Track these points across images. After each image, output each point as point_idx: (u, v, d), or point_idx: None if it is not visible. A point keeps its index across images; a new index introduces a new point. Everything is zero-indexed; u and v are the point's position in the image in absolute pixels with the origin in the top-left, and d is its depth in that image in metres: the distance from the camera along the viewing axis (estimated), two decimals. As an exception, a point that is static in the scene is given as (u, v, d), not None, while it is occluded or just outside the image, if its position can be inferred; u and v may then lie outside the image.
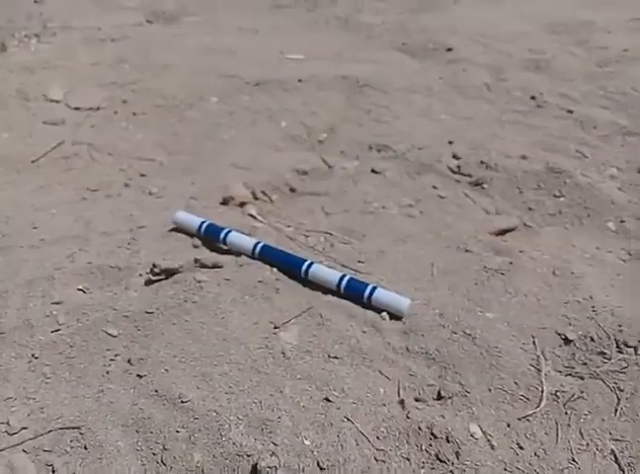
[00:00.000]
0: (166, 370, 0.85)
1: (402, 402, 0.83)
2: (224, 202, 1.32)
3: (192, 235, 1.17)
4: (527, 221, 1.29)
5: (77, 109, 2.02)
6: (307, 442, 0.75)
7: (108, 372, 0.86)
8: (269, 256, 1.07)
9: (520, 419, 0.82)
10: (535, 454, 0.77)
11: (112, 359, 0.89)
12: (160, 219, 1.24)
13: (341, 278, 0.99)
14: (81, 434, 0.78)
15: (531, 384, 0.86)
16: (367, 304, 0.98)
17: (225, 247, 1.11)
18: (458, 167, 1.46)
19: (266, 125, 1.81)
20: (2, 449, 0.78)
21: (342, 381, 0.85)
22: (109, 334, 0.93)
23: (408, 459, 0.76)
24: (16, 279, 1.06)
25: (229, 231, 1.11)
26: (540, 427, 0.81)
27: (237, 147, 1.67)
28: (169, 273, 1.00)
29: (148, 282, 1.01)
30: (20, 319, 0.96)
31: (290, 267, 1.05)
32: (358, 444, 0.77)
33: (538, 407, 0.83)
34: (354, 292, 0.99)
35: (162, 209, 1.30)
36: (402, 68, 2.25)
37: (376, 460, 0.75)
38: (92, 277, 1.06)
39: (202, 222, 1.14)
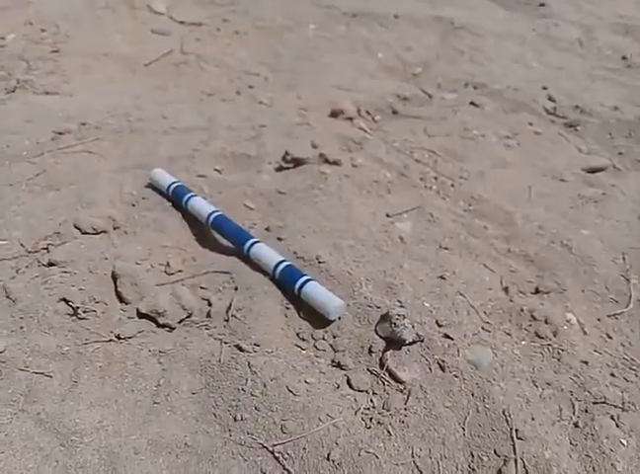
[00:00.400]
0: (303, 237, 0.98)
1: (506, 289, 0.95)
2: (333, 115, 1.42)
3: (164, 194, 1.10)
4: (617, 164, 1.36)
5: (181, 22, 2.12)
6: (427, 305, 0.88)
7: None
8: (219, 227, 1.00)
9: (609, 316, 0.93)
10: (621, 344, 0.88)
11: (250, 227, 1.03)
12: (278, 122, 1.35)
13: (277, 264, 0.90)
14: (232, 277, 0.92)
15: (620, 290, 0.97)
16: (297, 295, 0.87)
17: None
18: (554, 108, 1.53)
19: (363, 55, 1.89)
20: (165, 284, 0.92)
21: (453, 266, 0.97)
22: (247, 206, 1.07)
23: (509, 334, 0.88)
24: (157, 156, 1.20)
25: (192, 196, 1.04)
26: (627, 325, 0.92)
27: (336, 71, 1.76)
28: (298, 162, 1.12)
29: (279, 169, 1.14)
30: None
31: (236, 242, 0.97)
32: (468, 314, 0.89)
33: (627, 307, 0.93)
34: (287, 281, 0.88)
35: (277, 115, 1.41)
36: (494, 16, 2.28)
37: (483, 329, 0.87)
38: (226, 161, 1.19)
39: (172, 183, 1.08)
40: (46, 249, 0.97)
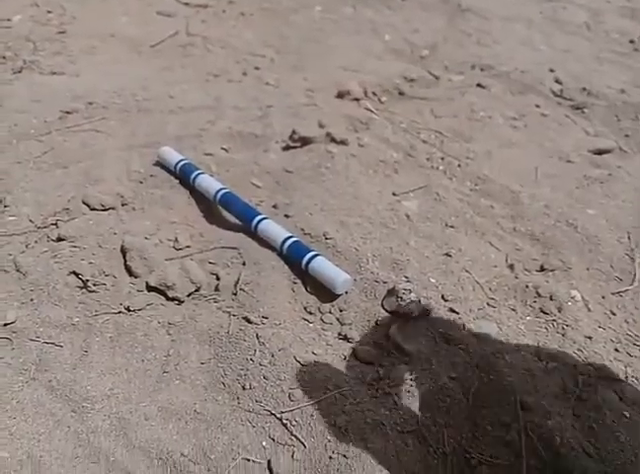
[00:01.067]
0: (310, 214, 0.99)
1: (511, 266, 0.95)
2: (340, 96, 1.42)
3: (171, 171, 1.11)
4: (623, 146, 1.36)
5: (187, 4, 2.11)
6: (432, 280, 0.89)
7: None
8: (226, 204, 1.01)
9: (613, 293, 0.93)
10: (625, 321, 0.89)
11: (257, 204, 1.03)
12: (285, 102, 1.36)
13: (284, 240, 0.91)
14: (239, 253, 0.93)
15: (625, 269, 0.97)
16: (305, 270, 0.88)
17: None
18: (560, 91, 1.53)
19: (369, 37, 1.88)
20: (174, 259, 0.93)
21: (458, 243, 0.98)
22: (254, 184, 1.07)
23: (514, 310, 0.89)
24: (165, 135, 1.20)
25: (199, 173, 1.05)
26: (631, 302, 0.92)
27: (342, 53, 1.75)
28: (305, 141, 1.13)
29: (286, 148, 1.14)
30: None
31: (243, 219, 0.98)
32: (474, 290, 0.90)
33: (631, 285, 0.94)
34: (294, 256, 0.90)
35: (284, 96, 1.41)
36: (502, -1, 2.26)
37: (489, 304, 0.88)
38: (233, 140, 1.20)
39: (180, 160, 1.09)
40: (55, 224, 0.98)
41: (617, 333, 0.85)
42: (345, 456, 0.64)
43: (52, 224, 0.99)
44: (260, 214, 0.96)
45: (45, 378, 0.74)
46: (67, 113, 1.31)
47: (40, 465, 0.65)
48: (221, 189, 1.01)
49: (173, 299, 0.86)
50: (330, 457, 0.65)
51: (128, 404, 0.71)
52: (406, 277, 0.88)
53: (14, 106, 1.34)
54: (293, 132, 1.13)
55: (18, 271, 0.89)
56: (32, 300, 0.84)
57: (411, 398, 0.72)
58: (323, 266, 0.86)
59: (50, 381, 0.73)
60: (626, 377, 0.78)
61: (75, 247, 0.93)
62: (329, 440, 0.66)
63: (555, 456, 0.68)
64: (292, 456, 0.65)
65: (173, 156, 1.09)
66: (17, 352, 0.77)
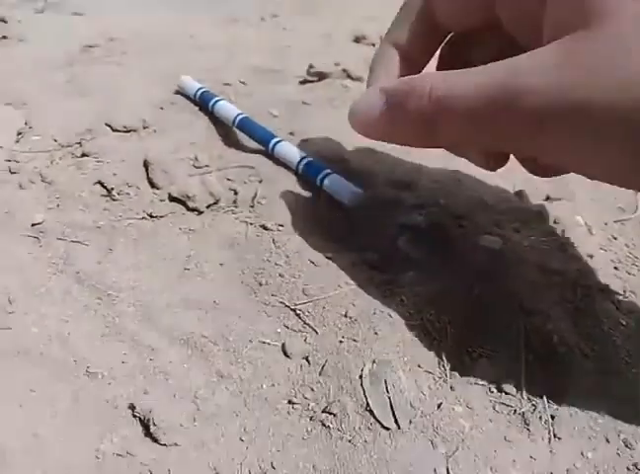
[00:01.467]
0: (325, 139, 1.02)
1: (519, 193, 0.99)
2: (356, 41, 1.44)
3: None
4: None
5: (205, -44, 2.11)
6: (442, 200, 0.93)
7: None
8: (244, 127, 1.04)
9: (615, 221, 0.96)
10: (626, 245, 0.92)
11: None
12: (302, 43, 1.38)
13: (300, 160, 0.94)
14: (257, 172, 0.96)
15: (628, 201, 1.01)
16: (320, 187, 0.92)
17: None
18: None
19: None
20: (193, 175, 0.97)
21: (469, 171, 1.01)
22: (271, 113, 1.11)
23: (519, 231, 0.92)
24: (185, 68, 1.24)
25: (219, 100, 1.09)
26: (632, 229, 0.95)
27: (361, 3, 1.78)
28: (321, 76, 1.16)
29: (303, 82, 1.17)
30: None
31: (261, 141, 1.01)
32: (482, 211, 0.93)
33: (634, 213, 0.97)
34: (309, 175, 0.94)
35: (302, 38, 1.44)
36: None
37: (495, 225, 0.92)
38: (251, 74, 1.23)
39: (200, 88, 1.13)
40: (79, 143, 1.02)
41: (618, 254, 0.89)
42: (354, 340, 0.68)
43: (76, 143, 1.03)
44: (277, 137, 0.99)
45: (73, 270, 0.78)
46: (89, 46, 1.34)
47: (67, 341, 0.70)
48: (239, 114, 1.04)
49: (193, 210, 0.90)
50: (340, 341, 0.69)
51: (152, 295, 0.76)
52: (416, 196, 0.91)
53: (37, 40, 1.38)
54: (310, 67, 1.16)
55: (43, 181, 0.93)
56: (58, 206, 0.88)
57: (417, 298, 0.76)
58: (336, 181, 0.90)
59: (78, 273, 0.78)
60: (624, 291, 0.82)
61: (99, 162, 0.97)
62: (339, 328, 0.71)
63: (553, 354, 0.72)
64: (305, 340, 0.70)
65: (193, 84, 1.12)
66: (45, 248, 0.82)
